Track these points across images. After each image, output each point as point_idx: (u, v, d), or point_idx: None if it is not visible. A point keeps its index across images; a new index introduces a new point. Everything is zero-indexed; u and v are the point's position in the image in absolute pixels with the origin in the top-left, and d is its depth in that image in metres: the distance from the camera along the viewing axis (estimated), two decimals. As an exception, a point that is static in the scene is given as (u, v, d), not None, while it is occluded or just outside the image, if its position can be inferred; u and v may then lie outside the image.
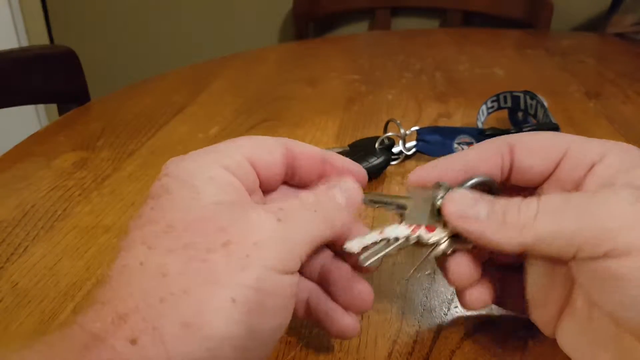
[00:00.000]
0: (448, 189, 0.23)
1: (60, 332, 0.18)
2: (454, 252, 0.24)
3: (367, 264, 0.23)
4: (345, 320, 0.24)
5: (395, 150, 0.46)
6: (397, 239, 0.23)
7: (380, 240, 0.23)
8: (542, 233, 0.20)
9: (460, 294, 0.25)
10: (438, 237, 0.23)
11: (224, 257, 0.19)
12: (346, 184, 0.24)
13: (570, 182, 0.23)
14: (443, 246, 0.23)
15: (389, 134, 0.46)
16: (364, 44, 0.92)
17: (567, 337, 0.23)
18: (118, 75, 1.54)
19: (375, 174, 0.43)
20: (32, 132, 0.55)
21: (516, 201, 0.21)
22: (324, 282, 0.25)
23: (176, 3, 1.49)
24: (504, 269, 0.26)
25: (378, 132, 0.49)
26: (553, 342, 0.26)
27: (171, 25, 1.52)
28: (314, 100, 0.63)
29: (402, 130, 0.46)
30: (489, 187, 0.24)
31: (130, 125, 0.56)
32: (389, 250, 0.23)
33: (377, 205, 0.25)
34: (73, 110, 0.63)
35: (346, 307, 0.24)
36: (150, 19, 1.52)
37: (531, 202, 0.21)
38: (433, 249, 0.23)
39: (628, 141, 0.23)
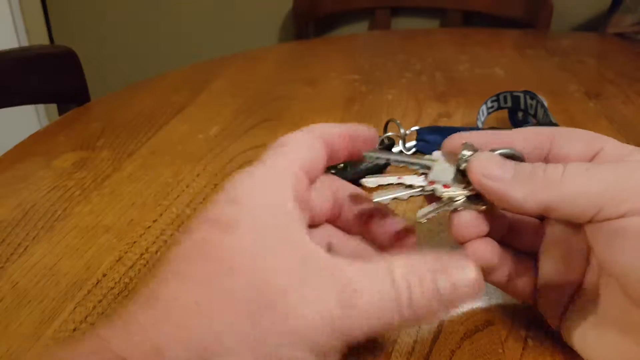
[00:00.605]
0: (475, 151, 0.23)
1: (83, 347, 0.17)
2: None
3: (375, 199, 0.24)
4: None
5: (395, 150, 0.46)
6: (411, 187, 0.24)
7: (397, 184, 0.24)
8: (566, 192, 0.20)
9: (465, 246, 0.24)
10: (454, 193, 0.23)
11: (275, 325, 0.18)
12: (463, 277, 0.20)
13: None
14: (458, 203, 0.23)
15: (389, 134, 0.46)
16: (364, 44, 0.92)
17: (573, 322, 0.23)
18: (118, 75, 1.54)
19: (375, 173, 0.43)
20: (32, 132, 0.55)
21: (542, 164, 0.22)
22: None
23: (176, 3, 1.49)
24: (516, 253, 0.26)
25: (378, 132, 0.49)
26: (553, 341, 0.26)
27: (171, 25, 1.52)
28: (314, 100, 0.63)
29: (402, 130, 0.46)
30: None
31: (130, 125, 0.56)
32: (401, 195, 0.24)
33: (401, 164, 0.25)
34: (73, 110, 0.63)
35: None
36: (150, 19, 1.52)
37: (558, 166, 0.21)
38: (446, 204, 0.23)
39: (628, 141, 0.23)
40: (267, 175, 0.21)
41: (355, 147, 0.25)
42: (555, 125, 0.45)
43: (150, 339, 0.17)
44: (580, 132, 0.24)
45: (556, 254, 0.24)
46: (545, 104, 0.48)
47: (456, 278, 0.20)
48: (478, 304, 0.29)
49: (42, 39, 1.54)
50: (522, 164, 0.22)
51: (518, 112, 0.52)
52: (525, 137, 0.24)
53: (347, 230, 0.26)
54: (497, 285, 0.26)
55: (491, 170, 0.22)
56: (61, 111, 0.70)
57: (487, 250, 0.24)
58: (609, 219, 0.20)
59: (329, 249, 0.25)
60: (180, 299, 0.18)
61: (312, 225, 0.24)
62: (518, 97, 0.51)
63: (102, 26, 1.55)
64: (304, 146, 0.23)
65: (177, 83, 0.71)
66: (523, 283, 0.26)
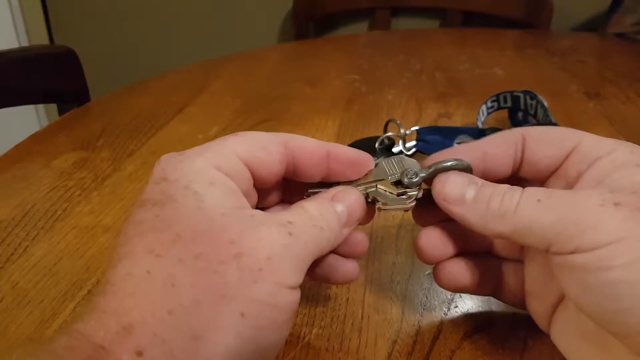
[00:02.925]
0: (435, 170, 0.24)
1: (63, 342, 0.17)
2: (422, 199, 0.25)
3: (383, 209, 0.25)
4: (348, 265, 0.25)
5: (395, 150, 0.46)
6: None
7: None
8: (518, 225, 0.21)
9: (435, 269, 0.26)
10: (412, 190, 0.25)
11: (236, 269, 0.19)
12: (350, 198, 0.24)
13: (575, 177, 0.23)
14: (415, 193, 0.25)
15: (389, 134, 0.46)
16: (364, 44, 0.92)
17: (559, 330, 0.23)
18: (118, 75, 1.54)
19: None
20: (32, 132, 0.55)
21: (502, 189, 0.22)
22: None
23: (176, 3, 1.49)
24: (504, 260, 0.27)
25: (378, 132, 0.49)
26: (553, 342, 0.26)
27: (171, 25, 1.52)
28: (314, 100, 0.63)
29: (402, 130, 0.46)
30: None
31: (130, 125, 0.56)
32: (404, 206, 0.25)
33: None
34: (73, 110, 0.63)
35: (346, 255, 0.25)
36: (151, 19, 1.52)
37: (515, 193, 0.22)
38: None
39: (628, 141, 0.23)
40: (195, 154, 0.22)
41: (335, 170, 0.25)
42: (556, 125, 0.45)
43: (116, 320, 0.17)
44: (553, 130, 0.24)
45: (537, 263, 0.25)
46: (545, 104, 0.48)
47: (347, 201, 0.24)
48: (478, 304, 0.29)
49: (42, 39, 1.54)
50: (485, 186, 0.23)
51: (518, 112, 0.52)
52: (502, 146, 0.24)
53: None
54: (488, 295, 0.27)
55: (451, 194, 0.23)
56: (61, 111, 0.70)
57: (458, 272, 0.25)
58: (559, 254, 0.20)
59: None
60: (132, 273, 0.19)
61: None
62: (518, 97, 0.51)
63: (102, 26, 1.55)
64: (251, 141, 0.23)
65: (177, 83, 0.71)
66: (514, 289, 0.26)
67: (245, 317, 0.18)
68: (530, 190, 0.21)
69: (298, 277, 0.20)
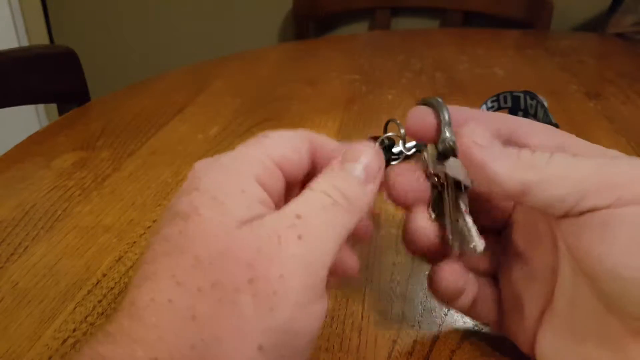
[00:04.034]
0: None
1: None
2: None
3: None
4: (349, 261, 0.23)
5: (395, 150, 0.46)
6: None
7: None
8: (551, 174, 0.20)
9: (433, 270, 0.24)
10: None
11: (251, 297, 0.18)
12: (364, 154, 0.22)
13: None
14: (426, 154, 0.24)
15: (389, 134, 0.46)
16: (364, 44, 0.92)
17: (549, 343, 0.22)
18: (118, 75, 1.54)
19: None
20: (32, 132, 0.55)
21: (529, 150, 0.21)
22: None
23: (176, 3, 1.49)
24: (478, 277, 0.25)
25: (378, 132, 0.49)
26: None
27: (171, 25, 1.52)
28: (314, 100, 0.63)
29: (402, 130, 0.46)
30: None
31: (130, 125, 0.56)
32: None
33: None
34: (73, 110, 0.63)
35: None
36: (150, 19, 1.52)
37: (545, 153, 0.20)
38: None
39: (628, 141, 0.23)
40: (231, 160, 0.21)
41: None
42: (556, 125, 0.45)
43: (144, 351, 0.17)
44: (541, 126, 0.24)
45: (519, 271, 0.23)
46: (546, 104, 0.48)
47: (360, 158, 0.21)
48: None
49: (42, 39, 1.54)
50: (509, 147, 0.22)
51: (518, 112, 0.52)
52: (488, 120, 0.24)
53: None
54: (462, 310, 0.25)
55: (481, 140, 0.21)
56: (61, 111, 0.70)
57: (454, 275, 0.24)
58: (593, 210, 0.19)
59: None
60: (155, 300, 0.18)
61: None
62: (518, 97, 0.51)
63: (102, 26, 1.55)
64: (283, 141, 0.22)
65: (177, 83, 0.71)
66: (487, 307, 0.25)
67: (263, 349, 0.18)
68: (562, 153, 0.21)
69: (320, 283, 0.19)
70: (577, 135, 0.23)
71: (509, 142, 0.22)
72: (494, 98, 0.52)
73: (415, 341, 0.27)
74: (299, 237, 0.19)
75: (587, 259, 0.20)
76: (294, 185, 0.24)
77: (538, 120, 0.48)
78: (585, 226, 0.19)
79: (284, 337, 0.18)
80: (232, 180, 0.20)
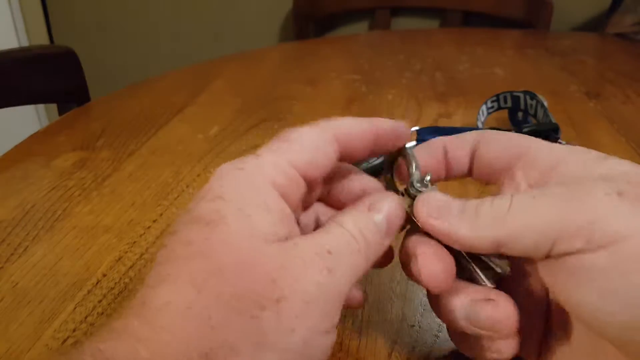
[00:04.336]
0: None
1: None
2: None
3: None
4: (352, 293, 0.23)
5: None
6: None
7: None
8: (515, 226, 0.19)
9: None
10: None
11: (275, 315, 0.18)
12: (389, 207, 0.22)
13: (527, 183, 0.22)
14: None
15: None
16: (364, 44, 0.92)
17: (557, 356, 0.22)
18: (118, 75, 1.54)
19: (375, 174, 0.43)
20: (32, 132, 0.55)
21: (489, 198, 0.21)
22: None
23: (176, 3, 1.49)
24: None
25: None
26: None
27: (171, 25, 1.52)
28: (314, 100, 0.63)
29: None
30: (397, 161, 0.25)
31: (130, 125, 0.56)
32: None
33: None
34: (73, 110, 0.63)
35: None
36: (150, 19, 1.52)
37: (504, 197, 0.20)
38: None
39: (628, 141, 0.23)
40: (254, 168, 0.21)
41: (380, 144, 0.24)
42: (556, 125, 0.45)
43: (148, 354, 0.17)
44: (502, 135, 0.24)
45: (519, 286, 0.23)
46: (546, 104, 0.48)
47: (385, 210, 0.22)
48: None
49: (42, 39, 1.54)
50: (470, 199, 0.21)
51: (518, 112, 0.52)
52: (455, 142, 0.24)
53: (336, 206, 0.26)
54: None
55: (436, 208, 0.21)
56: (61, 111, 0.70)
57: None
58: (565, 254, 0.18)
59: (317, 224, 0.25)
60: (172, 303, 0.18)
61: (305, 207, 0.25)
62: (518, 97, 0.51)
63: (102, 26, 1.55)
64: (306, 144, 0.22)
65: (177, 83, 0.71)
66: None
67: None
68: (522, 192, 0.21)
69: (335, 316, 0.19)
70: (577, 135, 0.23)
71: (519, 162, 0.23)
72: (494, 98, 0.52)
73: (415, 341, 0.27)
74: (329, 271, 0.19)
75: (566, 302, 0.20)
76: (319, 181, 0.24)
77: (538, 120, 0.48)
78: (562, 270, 0.19)
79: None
80: (256, 192, 0.20)
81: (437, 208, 0.21)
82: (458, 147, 0.25)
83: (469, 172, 0.25)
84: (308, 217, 0.25)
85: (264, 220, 0.19)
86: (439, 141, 0.25)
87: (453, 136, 0.25)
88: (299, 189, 0.22)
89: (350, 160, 0.24)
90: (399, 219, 0.22)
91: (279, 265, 0.18)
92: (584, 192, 0.19)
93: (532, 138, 0.23)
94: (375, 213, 0.22)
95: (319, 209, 0.26)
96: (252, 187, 0.20)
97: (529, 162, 0.22)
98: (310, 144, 0.22)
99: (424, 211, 0.22)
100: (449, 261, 0.21)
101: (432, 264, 0.21)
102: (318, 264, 0.19)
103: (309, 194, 0.24)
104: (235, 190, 0.20)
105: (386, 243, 0.22)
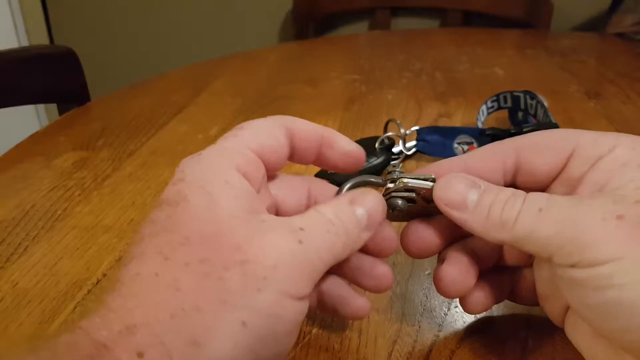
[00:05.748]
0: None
1: (65, 338, 0.17)
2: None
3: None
4: (359, 302, 0.24)
5: (395, 150, 0.46)
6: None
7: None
8: (519, 234, 0.21)
9: (462, 301, 0.25)
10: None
11: (240, 276, 0.18)
12: (370, 200, 0.23)
13: (577, 180, 0.22)
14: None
15: (389, 133, 0.46)
16: (364, 44, 0.92)
17: (572, 329, 0.23)
18: (118, 75, 1.54)
19: (375, 174, 0.43)
20: (32, 132, 0.55)
21: (505, 196, 0.22)
22: (339, 269, 0.24)
23: (176, 3, 1.49)
24: (515, 268, 0.27)
25: (378, 132, 0.49)
26: (553, 342, 0.26)
27: (171, 25, 1.52)
28: (314, 100, 0.63)
29: (402, 130, 0.46)
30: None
31: (130, 125, 0.56)
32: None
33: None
34: (73, 110, 0.63)
35: (368, 289, 0.25)
36: (150, 19, 1.52)
37: (517, 200, 0.21)
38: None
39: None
40: (213, 154, 0.22)
41: (326, 155, 0.25)
42: (555, 125, 0.45)
43: (120, 319, 0.17)
44: (547, 135, 0.24)
45: (544, 269, 0.24)
46: (546, 104, 0.48)
47: (367, 204, 0.23)
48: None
49: (42, 39, 1.54)
50: (488, 190, 0.22)
51: (518, 112, 0.52)
52: (488, 160, 0.24)
53: None
54: (488, 308, 0.26)
55: (453, 200, 0.23)
56: (61, 111, 0.70)
57: (483, 298, 0.25)
58: (560, 265, 0.20)
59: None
60: (140, 274, 0.19)
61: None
62: (518, 97, 0.51)
63: (102, 26, 1.55)
64: (259, 131, 0.23)
65: (177, 83, 0.71)
66: (528, 293, 0.26)
67: (246, 326, 0.18)
68: (533, 197, 0.21)
69: (306, 287, 0.20)
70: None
71: (519, 169, 0.24)
72: (494, 98, 0.52)
73: (415, 341, 0.27)
74: (300, 242, 0.20)
75: (568, 301, 0.21)
76: (278, 170, 0.25)
77: (538, 120, 0.48)
78: (562, 277, 0.20)
79: (268, 320, 0.19)
80: (216, 172, 0.21)
81: (454, 200, 0.23)
82: (486, 161, 0.24)
83: (508, 184, 0.25)
84: None
85: (226, 195, 0.20)
86: (459, 161, 0.25)
87: (479, 150, 0.25)
88: (259, 170, 0.23)
89: (296, 159, 0.25)
90: (379, 214, 0.23)
91: (244, 234, 0.19)
92: (583, 215, 0.20)
93: (579, 131, 0.23)
94: (357, 206, 0.22)
95: None
96: (212, 168, 0.21)
97: (578, 161, 0.22)
98: (264, 129, 0.23)
99: (441, 199, 0.23)
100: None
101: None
102: (287, 236, 0.20)
103: (271, 181, 0.25)
104: (195, 173, 0.21)
105: (364, 237, 0.23)
